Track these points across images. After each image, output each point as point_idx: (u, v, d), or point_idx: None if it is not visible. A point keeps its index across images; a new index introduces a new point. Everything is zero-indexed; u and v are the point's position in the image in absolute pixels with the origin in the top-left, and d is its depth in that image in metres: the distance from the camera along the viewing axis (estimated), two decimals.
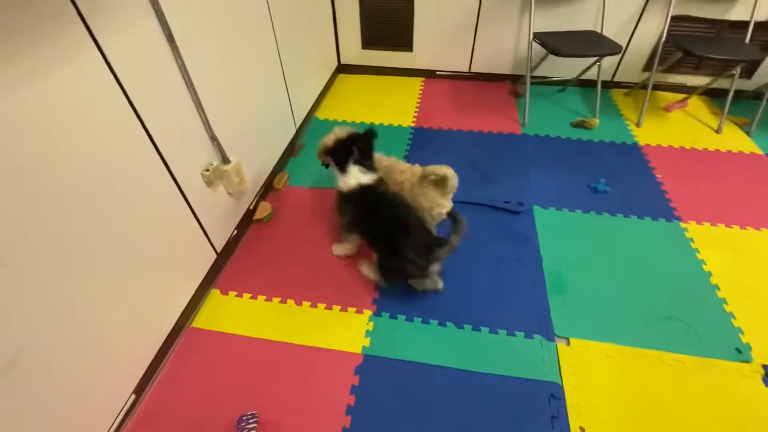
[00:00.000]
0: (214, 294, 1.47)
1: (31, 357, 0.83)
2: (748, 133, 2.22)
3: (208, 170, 1.34)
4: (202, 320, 1.39)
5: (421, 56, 2.66)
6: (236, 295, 1.46)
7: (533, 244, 1.62)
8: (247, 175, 1.56)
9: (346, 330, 1.36)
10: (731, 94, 2.20)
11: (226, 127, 1.42)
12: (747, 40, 2.15)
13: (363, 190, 1.34)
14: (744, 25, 2.14)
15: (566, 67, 2.50)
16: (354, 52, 2.71)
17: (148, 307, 1.17)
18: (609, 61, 2.46)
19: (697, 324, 1.35)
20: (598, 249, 1.60)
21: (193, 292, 1.37)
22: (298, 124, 2.13)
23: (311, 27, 2.20)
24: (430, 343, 1.31)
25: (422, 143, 2.18)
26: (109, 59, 0.93)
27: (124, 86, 0.98)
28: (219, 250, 1.50)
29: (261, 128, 1.74)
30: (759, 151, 2.09)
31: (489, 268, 1.53)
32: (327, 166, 1.52)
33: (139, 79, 1.01)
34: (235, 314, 1.41)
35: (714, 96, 2.49)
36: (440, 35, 2.54)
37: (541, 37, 2.16)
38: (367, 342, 1.32)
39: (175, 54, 1.13)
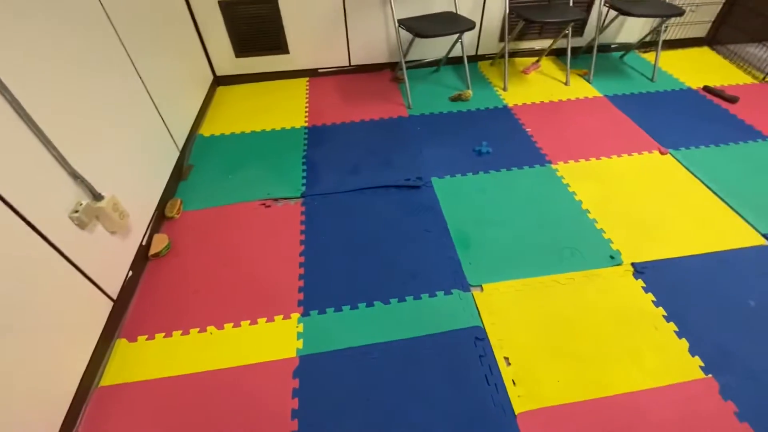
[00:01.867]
0: (121, 344, 1.32)
1: None
2: (588, 81, 2.63)
3: (77, 211, 1.19)
4: (111, 376, 1.24)
5: (299, 57, 2.66)
6: (147, 339, 1.34)
7: (437, 212, 1.74)
8: (128, 208, 1.42)
9: (276, 339, 1.32)
10: (569, 50, 2.59)
11: (92, 161, 1.28)
12: (571, 4, 2.54)
13: None
14: None
15: (435, 48, 2.70)
16: (228, 62, 2.60)
17: (37, 383, 1.02)
18: (470, 37, 2.72)
19: (578, 245, 1.58)
20: (491, 202, 1.78)
21: (92, 349, 1.22)
22: (180, 146, 2.00)
23: (173, 45, 2.06)
24: (362, 326, 1.35)
25: (319, 140, 2.19)
26: None
27: None
28: (115, 297, 1.35)
29: (136, 156, 1.59)
30: (599, 94, 2.50)
31: (403, 242, 1.61)
32: None
33: None
34: (150, 358, 1.28)
35: (559, 55, 2.90)
36: (313, 34, 2.56)
37: (405, 23, 2.30)
38: (300, 344, 1.31)
39: (3, 95, 0.98)
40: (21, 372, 0.97)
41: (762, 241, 1.58)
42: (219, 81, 2.67)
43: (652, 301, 1.39)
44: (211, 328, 1.36)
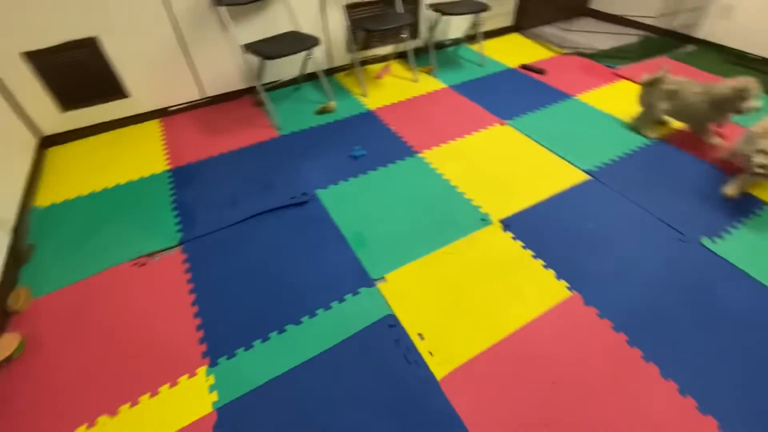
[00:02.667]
0: None
1: None
2: (434, 76, 2.96)
3: None
4: None
5: (143, 98, 2.44)
6: None
7: (328, 221, 1.78)
8: None
9: (185, 401, 1.20)
10: (411, 52, 2.88)
11: None
12: (401, 11, 2.82)
13: None
14: (393, 0, 2.80)
15: (288, 67, 2.74)
16: (53, 119, 2.26)
17: None
18: (320, 52, 2.83)
19: (455, 217, 1.78)
20: (375, 200, 1.88)
21: None
22: (11, 226, 1.67)
23: None
24: (279, 356, 1.30)
25: (187, 181, 2.04)
26: None
27: None
28: None
29: None
30: (444, 85, 2.82)
31: (300, 260, 1.61)
32: None
33: None
34: None
35: (404, 57, 3.19)
36: (154, 71, 2.38)
37: (251, 47, 2.29)
38: (214, 396, 1.21)
39: None
40: None
41: (585, 177, 1.97)
42: (48, 141, 2.30)
43: (521, 246, 1.63)
44: (102, 419, 1.17)
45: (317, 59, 2.73)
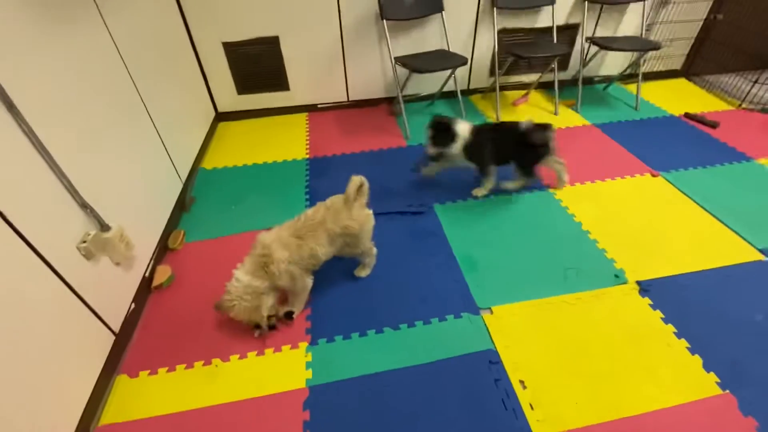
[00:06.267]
0: (121, 380, 1.27)
1: None
2: (576, 110, 2.76)
3: (84, 242, 1.19)
4: (112, 414, 1.18)
5: (299, 93, 2.76)
6: (149, 374, 1.29)
7: (441, 237, 1.76)
8: (134, 239, 1.41)
9: (285, 369, 1.28)
10: (556, 83, 2.73)
11: (100, 192, 1.28)
12: (555, 41, 2.70)
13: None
14: (550, 29, 2.70)
15: (429, 83, 2.83)
16: (230, 99, 2.69)
17: (35, 420, 0.96)
18: (462, 73, 2.86)
19: (582, 264, 1.60)
20: (494, 226, 1.80)
21: (92, 385, 1.17)
22: (184, 178, 2.02)
23: (178, 83, 2.14)
24: (372, 353, 1.32)
25: (320, 171, 2.23)
26: None
27: None
28: (117, 330, 1.32)
29: (142, 188, 1.61)
30: (587, 122, 2.61)
31: (409, 267, 1.61)
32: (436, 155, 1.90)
33: None
34: (152, 395, 1.23)
35: (546, 88, 3.05)
36: (313, 71, 2.68)
37: (402, 60, 2.43)
38: (309, 374, 1.27)
39: (19, 123, 1.01)
40: (21, 410, 0.93)
41: (760, 257, 1.61)
42: (221, 117, 2.75)
43: (661, 318, 1.39)
44: (216, 361, 1.32)
45: (458, 78, 2.76)
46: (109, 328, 1.28)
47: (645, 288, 1.50)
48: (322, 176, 2.18)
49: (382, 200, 1.97)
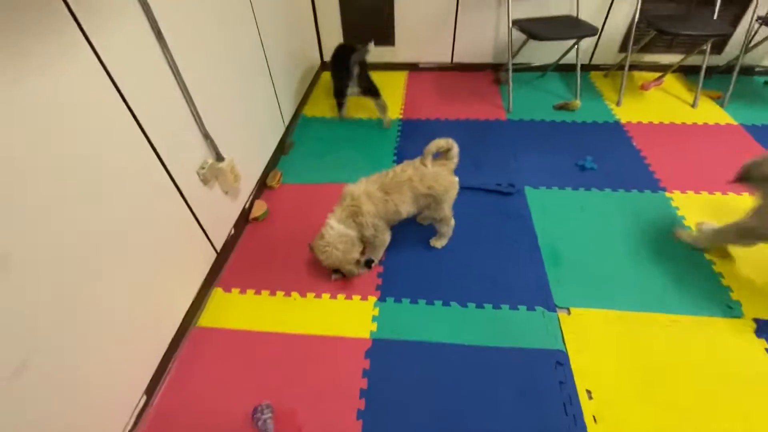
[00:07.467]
0: (217, 292, 1.47)
1: (41, 360, 0.82)
2: (721, 105, 2.31)
3: (203, 168, 1.34)
4: (206, 319, 1.39)
5: (403, 50, 2.69)
6: (239, 292, 1.47)
7: (527, 222, 1.66)
8: (241, 173, 1.56)
9: (352, 317, 1.37)
10: (703, 69, 2.29)
11: (218, 124, 1.42)
12: (715, 16, 2.24)
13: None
14: (712, 1, 2.23)
15: (545, 53, 2.56)
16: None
17: (152, 309, 1.17)
18: (586, 44, 2.54)
19: (689, 285, 1.41)
20: (589, 222, 1.65)
21: (196, 291, 1.37)
22: (286, 122, 2.14)
23: (293, 26, 2.21)
24: (436, 323, 1.34)
25: (411, 135, 2.21)
26: (102, 58, 0.93)
27: (118, 85, 0.98)
28: (219, 249, 1.50)
29: (251, 126, 1.74)
30: (733, 122, 2.18)
31: (488, 247, 1.57)
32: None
33: (131, 77, 1.02)
34: (239, 310, 1.41)
35: (687, 72, 2.58)
36: (421, 29, 2.58)
37: (521, 24, 2.21)
38: (374, 327, 1.34)
39: (164, 51, 1.13)
40: (139, 307, 1.12)
41: None
42: (325, 66, 2.81)
43: None
44: (295, 294, 1.45)
45: (581, 51, 2.45)
46: (213, 246, 1.47)
47: (763, 328, 1.28)
48: (411, 138, 2.16)
49: (471, 174, 1.90)
